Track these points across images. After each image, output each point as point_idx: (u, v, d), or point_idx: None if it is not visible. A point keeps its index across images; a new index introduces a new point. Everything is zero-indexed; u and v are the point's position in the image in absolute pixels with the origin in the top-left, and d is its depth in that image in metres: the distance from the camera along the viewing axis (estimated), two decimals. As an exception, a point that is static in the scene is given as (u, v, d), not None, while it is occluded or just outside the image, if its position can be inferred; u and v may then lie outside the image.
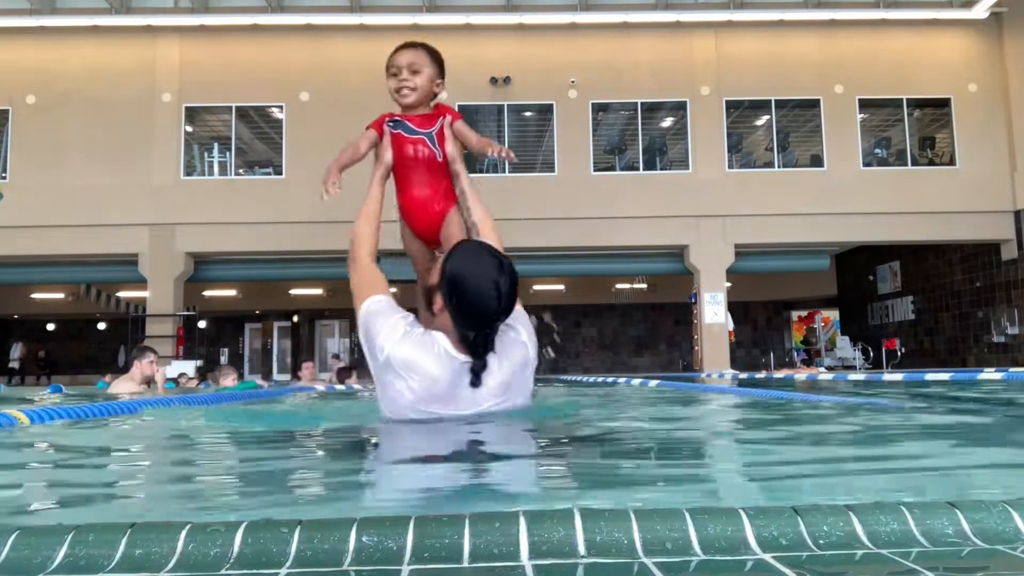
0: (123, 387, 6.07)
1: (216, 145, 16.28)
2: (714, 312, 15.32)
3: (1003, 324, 15.55)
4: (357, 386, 7.26)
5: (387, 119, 2.61)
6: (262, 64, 15.81)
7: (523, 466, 1.54)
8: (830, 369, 17.18)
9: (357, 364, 13.01)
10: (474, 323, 2.04)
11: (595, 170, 15.81)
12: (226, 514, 1.01)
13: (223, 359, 22.77)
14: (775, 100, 16.07)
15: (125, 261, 15.44)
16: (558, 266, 17.36)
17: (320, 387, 7.32)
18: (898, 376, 5.90)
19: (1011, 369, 8.51)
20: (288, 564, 0.69)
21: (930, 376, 6.22)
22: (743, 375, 10.42)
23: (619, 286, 21.76)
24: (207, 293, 20.38)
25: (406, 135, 2.56)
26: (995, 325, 15.81)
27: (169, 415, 3.15)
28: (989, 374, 6.25)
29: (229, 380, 7.11)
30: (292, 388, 7.45)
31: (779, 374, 10.83)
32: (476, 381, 2.08)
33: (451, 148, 2.59)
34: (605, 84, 15.94)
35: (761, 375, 10.65)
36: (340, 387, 7.38)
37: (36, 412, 2.45)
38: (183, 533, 0.71)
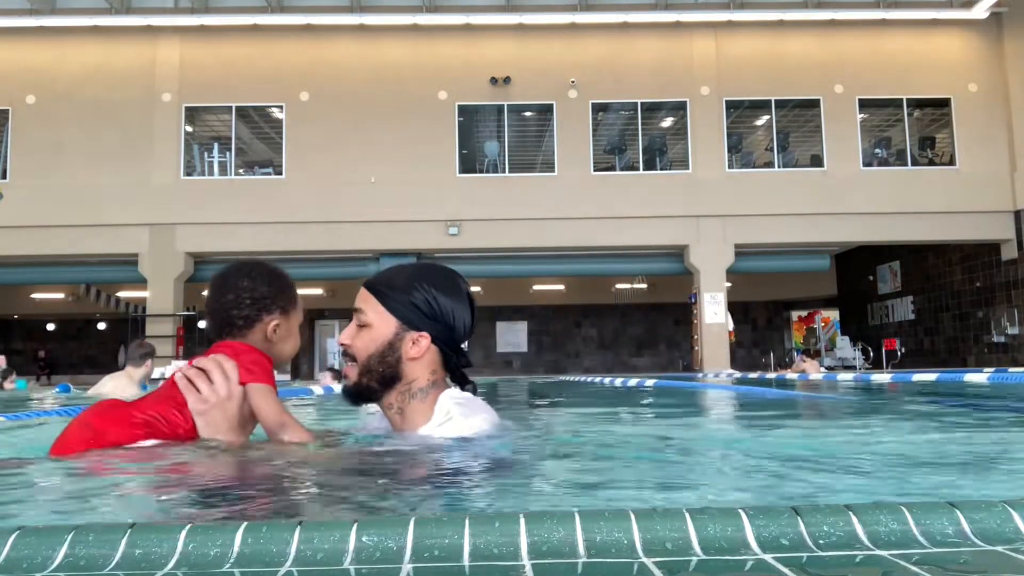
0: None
1: (216, 145, 16.27)
2: (714, 312, 15.32)
3: (1003, 324, 15.55)
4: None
5: None
6: (262, 64, 15.82)
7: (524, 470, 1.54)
8: (831, 369, 17.18)
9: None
10: None
11: (595, 170, 15.81)
12: (226, 514, 1.01)
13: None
14: (775, 100, 16.07)
15: (125, 261, 15.45)
16: (558, 266, 17.36)
17: (318, 389, 7.32)
18: (886, 376, 5.92)
19: (1011, 370, 8.49)
20: (288, 564, 0.69)
21: (917, 377, 6.22)
22: (738, 374, 10.44)
23: (619, 286, 21.75)
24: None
25: None
26: (995, 325, 15.81)
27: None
28: (974, 376, 6.24)
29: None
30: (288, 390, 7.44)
31: (770, 375, 10.85)
32: None
33: None
34: (605, 84, 15.94)
35: (754, 375, 10.67)
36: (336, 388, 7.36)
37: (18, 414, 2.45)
38: (183, 533, 0.71)
